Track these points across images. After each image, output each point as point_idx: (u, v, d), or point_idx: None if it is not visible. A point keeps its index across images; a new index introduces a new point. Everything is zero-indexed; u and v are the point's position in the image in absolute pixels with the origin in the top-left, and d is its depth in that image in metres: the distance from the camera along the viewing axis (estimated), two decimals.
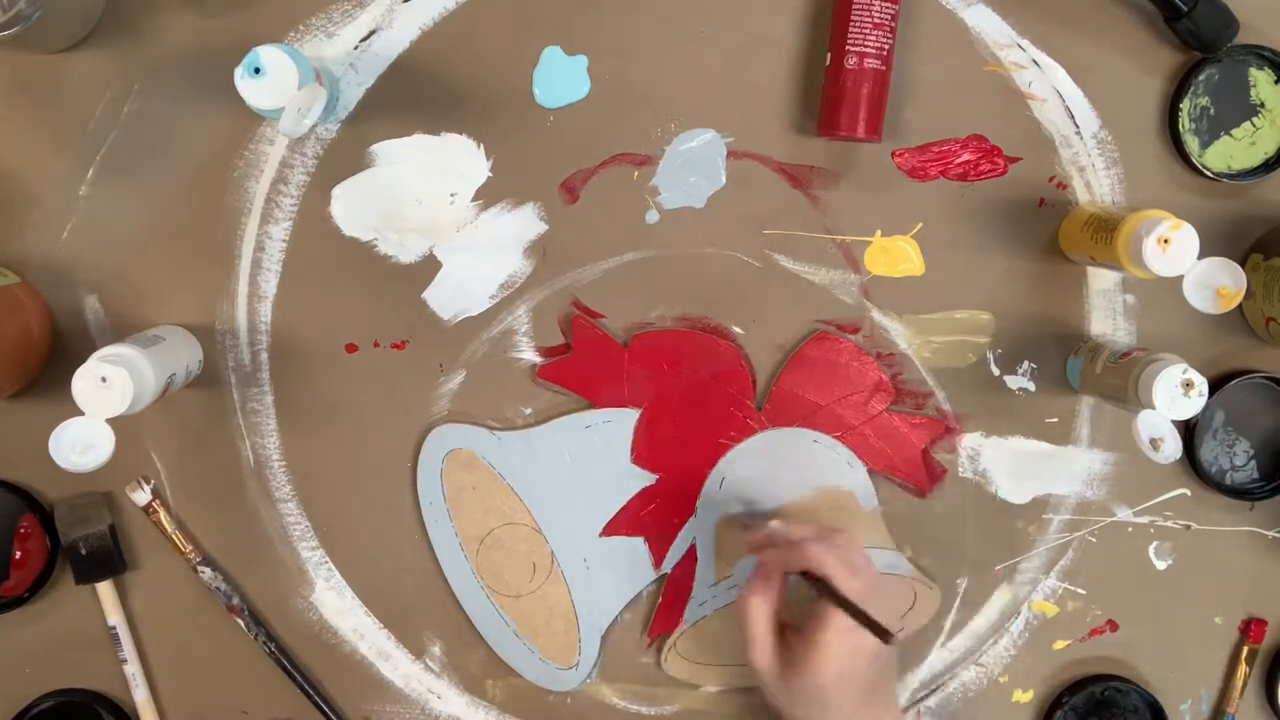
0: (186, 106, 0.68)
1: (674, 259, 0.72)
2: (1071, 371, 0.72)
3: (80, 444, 0.59)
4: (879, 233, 0.72)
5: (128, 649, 0.72)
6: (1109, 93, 0.71)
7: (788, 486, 0.73)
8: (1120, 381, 0.66)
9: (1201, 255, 0.62)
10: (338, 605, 0.73)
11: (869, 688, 0.63)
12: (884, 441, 0.73)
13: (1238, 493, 0.74)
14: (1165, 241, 0.61)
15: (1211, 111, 0.71)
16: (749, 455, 0.73)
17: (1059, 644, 0.76)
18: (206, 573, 0.71)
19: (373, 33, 0.69)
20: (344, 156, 0.70)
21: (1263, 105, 0.72)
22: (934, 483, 0.74)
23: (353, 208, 0.70)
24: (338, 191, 0.70)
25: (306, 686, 0.73)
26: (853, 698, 0.62)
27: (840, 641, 0.61)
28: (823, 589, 0.62)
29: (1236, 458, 0.75)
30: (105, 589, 0.71)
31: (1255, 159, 0.72)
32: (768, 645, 0.63)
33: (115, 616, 0.71)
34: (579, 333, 0.72)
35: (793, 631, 0.64)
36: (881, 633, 0.59)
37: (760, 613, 0.64)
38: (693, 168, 0.71)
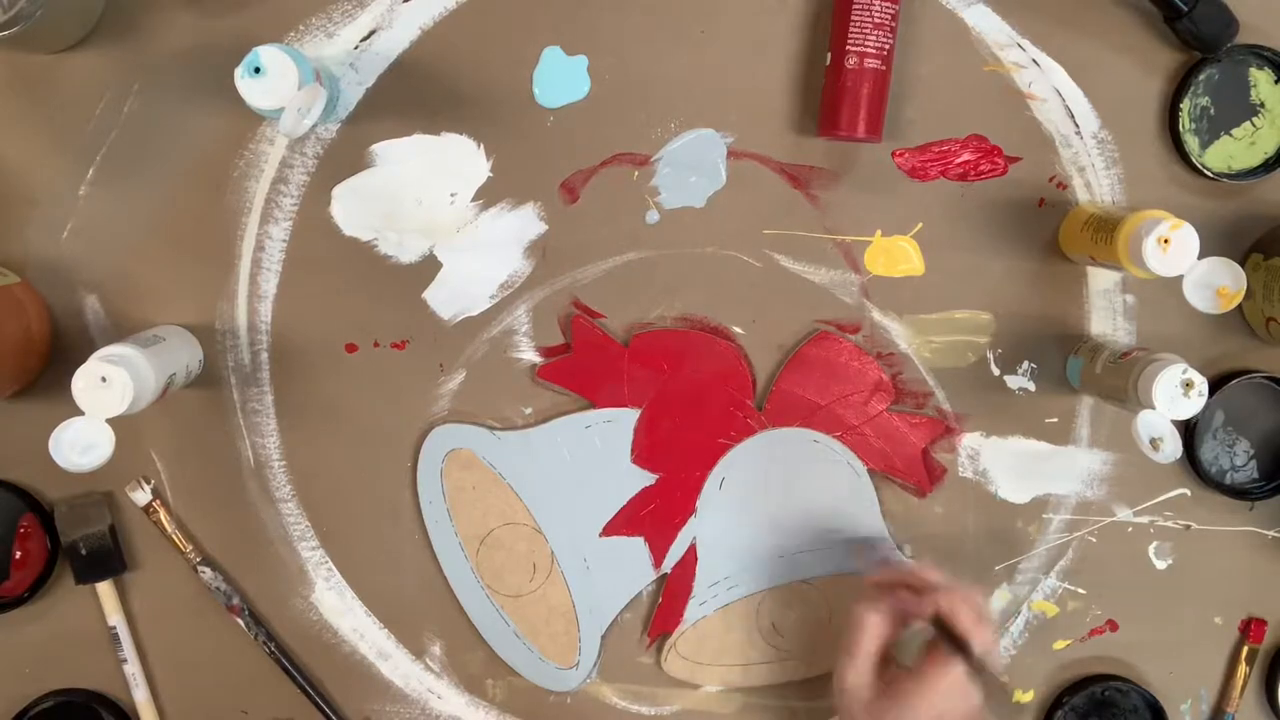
0: (186, 106, 0.68)
1: (674, 259, 0.72)
2: (1071, 371, 0.72)
3: (80, 444, 0.59)
4: (879, 233, 0.72)
5: (128, 649, 0.72)
6: (1109, 93, 0.71)
7: (788, 487, 0.73)
8: (1120, 381, 0.66)
9: (1201, 255, 0.62)
10: (338, 605, 0.73)
11: None
12: (884, 441, 0.73)
13: (1238, 493, 0.74)
14: (1165, 241, 0.61)
15: (1211, 111, 0.71)
16: (749, 455, 0.73)
17: (1059, 644, 0.76)
18: (206, 573, 0.71)
19: (373, 33, 0.69)
20: (344, 156, 0.70)
21: (1263, 105, 0.72)
22: (934, 483, 0.74)
23: (353, 208, 0.70)
24: (338, 191, 0.70)
25: (306, 686, 0.73)
26: None
27: (951, 687, 0.61)
28: (950, 639, 0.62)
29: (1236, 458, 0.75)
30: (105, 589, 0.71)
31: (1255, 159, 0.72)
32: (869, 665, 0.63)
33: (115, 616, 0.71)
34: (579, 333, 0.72)
35: (894, 663, 0.64)
36: (1001, 692, 0.59)
37: (874, 631, 0.64)
38: (693, 168, 0.71)
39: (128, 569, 0.72)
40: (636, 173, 0.71)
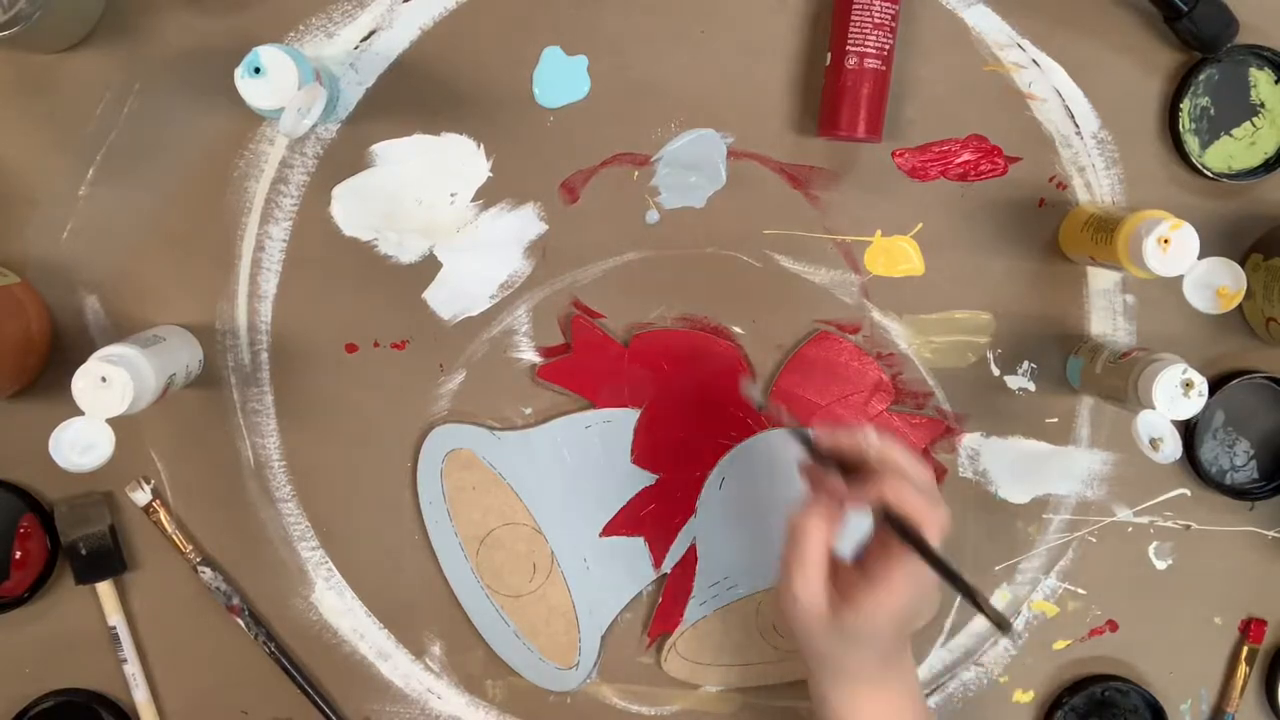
0: (186, 106, 0.68)
1: (674, 259, 0.72)
2: (1071, 371, 0.72)
3: (80, 444, 0.59)
4: (879, 233, 0.72)
5: (128, 649, 0.72)
6: (1109, 93, 0.71)
7: (788, 487, 0.73)
8: (1120, 381, 0.66)
9: (1201, 255, 0.62)
10: (338, 605, 0.73)
11: (909, 624, 0.59)
12: None
13: (1238, 493, 0.74)
14: (1165, 241, 0.61)
15: (1211, 111, 0.71)
16: (749, 455, 0.73)
17: (1059, 644, 0.76)
18: (206, 573, 0.71)
19: (373, 33, 0.69)
20: (344, 156, 0.70)
21: (1263, 105, 0.72)
22: None
23: (353, 208, 0.70)
24: (338, 191, 0.70)
25: (306, 686, 0.73)
26: (895, 635, 0.59)
27: (909, 582, 0.56)
28: (899, 528, 0.56)
29: (1236, 458, 0.75)
30: (105, 589, 0.71)
31: (1255, 159, 0.72)
32: (819, 575, 0.57)
33: (115, 616, 0.71)
34: (579, 333, 0.72)
35: (842, 564, 0.59)
36: (961, 581, 0.53)
37: (818, 537, 0.57)
38: (693, 168, 0.71)
39: (128, 569, 0.72)
40: (636, 173, 0.71)
